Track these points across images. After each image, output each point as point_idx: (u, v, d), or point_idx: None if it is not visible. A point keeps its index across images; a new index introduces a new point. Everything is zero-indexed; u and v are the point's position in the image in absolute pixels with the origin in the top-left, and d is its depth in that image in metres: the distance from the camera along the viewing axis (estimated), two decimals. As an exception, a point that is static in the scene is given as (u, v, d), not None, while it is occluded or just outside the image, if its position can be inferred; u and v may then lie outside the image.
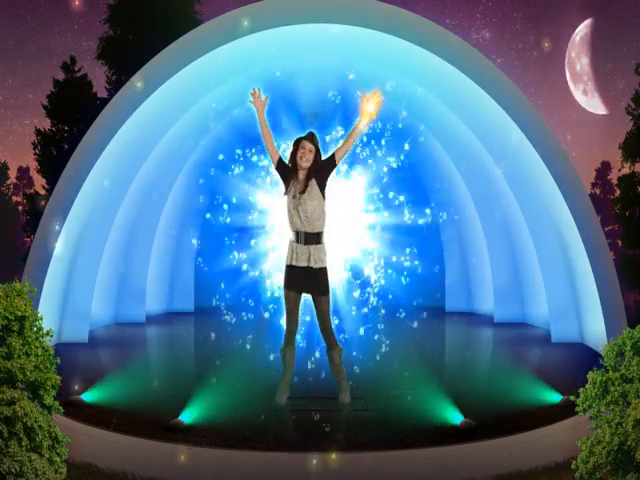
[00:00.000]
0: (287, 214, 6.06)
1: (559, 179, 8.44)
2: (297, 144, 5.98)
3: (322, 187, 5.98)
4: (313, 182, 5.94)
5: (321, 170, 5.97)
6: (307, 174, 5.97)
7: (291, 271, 6.11)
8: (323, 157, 6.03)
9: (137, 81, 8.71)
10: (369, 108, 5.95)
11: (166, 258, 11.95)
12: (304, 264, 6.00)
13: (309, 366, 7.56)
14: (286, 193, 6.04)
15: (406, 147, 12.49)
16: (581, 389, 4.47)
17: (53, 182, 11.76)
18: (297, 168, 5.98)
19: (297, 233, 6.01)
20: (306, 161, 5.92)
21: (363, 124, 5.99)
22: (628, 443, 3.94)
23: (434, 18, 8.81)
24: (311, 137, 5.99)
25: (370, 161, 12.50)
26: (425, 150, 11.98)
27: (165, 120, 9.62)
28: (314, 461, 4.98)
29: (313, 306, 6.21)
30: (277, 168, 6.09)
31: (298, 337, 8.76)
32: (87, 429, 5.65)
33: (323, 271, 6.08)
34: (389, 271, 12.92)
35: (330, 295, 6.20)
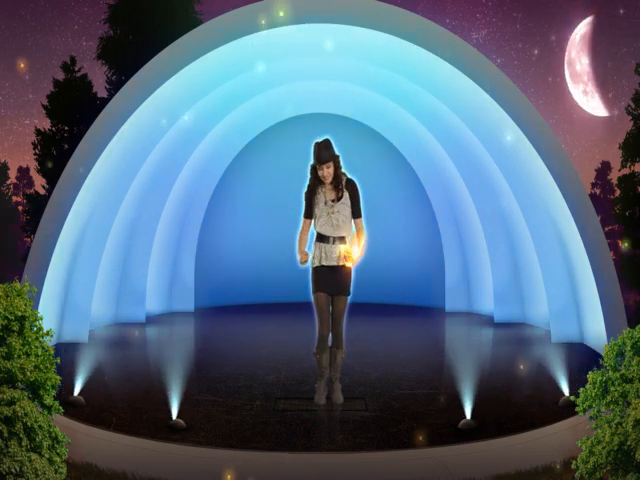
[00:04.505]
0: (316, 219, 6.16)
1: (559, 179, 8.44)
2: (315, 165, 6.08)
3: (350, 201, 6.15)
4: (347, 194, 6.11)
5: (351, 195, 6.13)
6: (334, 184, 6.12)
7: (320, 272, 6.15)
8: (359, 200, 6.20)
9: (137, 81, 8.71)
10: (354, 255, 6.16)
11: (166, 258, 11.96)
12: (334, 263, 6.10)
13: (310, 366, 7.55)
14: (316, 204, 6.14)
15: (406, 148, 12.53)
16: (581, 389, 4.47)
17: (53, 182, 11.78)
18: (323, 183, 6.12)
19: (326, 237, 6.12)
20: (329, 176, 6.07)
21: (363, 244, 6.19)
22: (628, 443, 3.94)
23: (434, 18, 8.82)
24: (325, 158, 6.01)
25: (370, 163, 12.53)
26: (426, 151, 11.99)
27: (165, 120, 9.62)
28: (314, 461, 4.99)
29: (331, 304, 6.23)
30: (312, 216, 6.22)
31: (301, 336, 8.76)
32: (87, 429, 5.65)
33: (349, 270, 6.19)
34: (389, 271, 12.96)
35: (349, 296, 6.27)
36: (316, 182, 6.13)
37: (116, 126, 8.72)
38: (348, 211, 6.11)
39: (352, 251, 6.12)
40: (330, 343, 6.30)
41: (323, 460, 5.02)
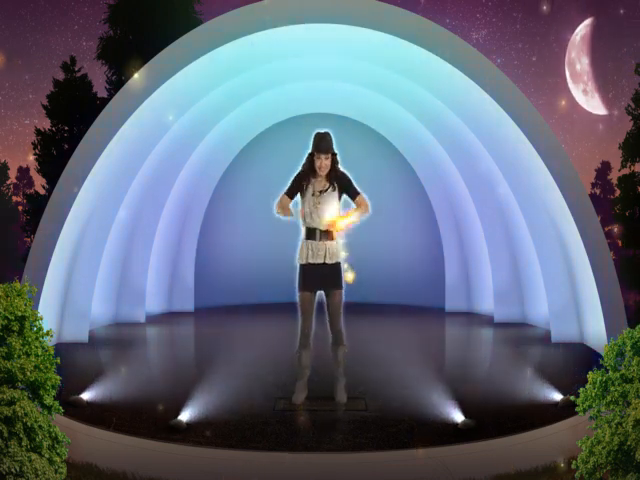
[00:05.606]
0: (302, 211, 6.15)
1: (559, 179, 8.44)
2: (312, 154, 6.08)
3: (340, 193, 6.16)
4: (335, 185, 6.11)
5: (342, 185, 6.12)
6: (327, 175, 6.13)
7: (306, 270, 6.14)
8: (351, 182, 6.16)
9: (137, 81, 8.71)
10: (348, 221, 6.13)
11: (166, 258, 11.95)
12: (320, 261, 6.09)
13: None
14: (303, 193, 6.14)
15: (406, 148, 12.53)
16: (581, 389, 4.47)
17: (53, 182, 11.77)
18: (316, 173, 6.11)
19: (313, 230, 6.10)
20: (325, 168, 6.09)
21: (358, 215, 6.11)
22: (628, 443, 3.93)
23: (434, 18, 8.81)
24: (326, 148, 6.04)
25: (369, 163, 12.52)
26: (426, 151, 11.99)
27: (165, 120, 9.62)
28: (314, 461, 4.99)
29: (326, 302, 6.23)
30: (294, 195, 6.16)
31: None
32: (87, 429, 5.65)
33: (337, 266, 6.18)
34: (389, 271, 12.96)
35: (343, 290, 6.23)
36: (309, 172, 6.11)
37: (116, 126, 8.72)
38: (335, 204, 6.10)
39: (338, 220, 6.06)
40: (331, 341, 6.29)
41: (323, 460, 5.03)
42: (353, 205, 6.18)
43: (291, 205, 6.16)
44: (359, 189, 6.17)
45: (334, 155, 6.11)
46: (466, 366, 8.12)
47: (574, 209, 8.42)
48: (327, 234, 6.11)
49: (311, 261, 6.11)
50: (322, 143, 6.05)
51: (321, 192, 6.09)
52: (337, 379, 6.33)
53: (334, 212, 6.10)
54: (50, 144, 14.24)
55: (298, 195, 6.21)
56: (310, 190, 6.11)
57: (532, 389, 6.80)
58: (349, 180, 6.16)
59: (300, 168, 6.21)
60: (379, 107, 11.49)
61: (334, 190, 6.10)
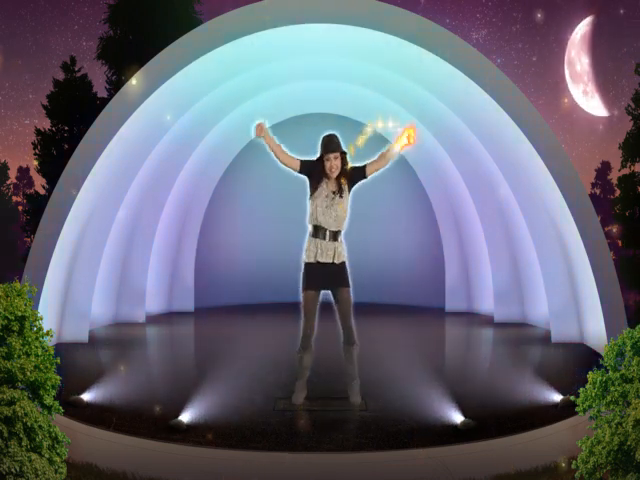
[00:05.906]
0: (314, 211, 6.09)
1: (559, 179, 8.44)
2: (322, 156, 6.06)
3: (350, 190, 6.17)
4: (346, 188, 6.11)
5: (351, 177, 6.13)
6: (337, 177, 6.11)
7: (312, 269, 6.10)
8: (354, 164, 6.16)
9: (137, 81, 8.71)
10: (405, 140, 6.13)
11: (166, 258, 11.95)
12: (329, 260, 6.06)
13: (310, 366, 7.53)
14: (313, 193, 6.10)
15: (406, 148, 12.51)
16: (581, 389, 4.47)
17: (53, 182, 11.77)
18: (328, 176, 6.09)
19: (323, 230, 6.06)
20: (336, 169, 6.07)
21: (397, 149, 6.12)
22: (628, 443, 3.93)
23: (434, 18, 8.81)
24: (334, 147, 6.04)
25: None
26: (426, 151, 11.99)
27: (165, 120, 9.62)
28: (314, 461, 4.99)
29: (334, 302, 6.20)
30: (301, 171, 6.14)
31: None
32: (87, 429, 5.65)
33: (344, 265, 6.17)
34: (389, 271, 12.96)
35: (351, 289, 6.20)
36: (321, 174, 6.07)
37: (116, 126, 8.72)
38: (347, 204, 6.10)
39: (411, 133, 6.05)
40: (342, 340, 6.28)
41: (323, 460, 5.03)
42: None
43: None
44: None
45: (343, 154, 6.09)
46: (466, 366, 8.11)
47: (574, 209, 8.42)
48: (337, 234, 6.09)
49: (320, 260, 6.06)
50: (330, 144, 6.05)
51: (334, 194, 6.06)
52: (351, 379, 6.30)
53: (346, 213, 6.10)
54: (50, 144, 14.25)
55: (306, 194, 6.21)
56: (322, 192, 6.07)
57: (532, 389, 6.80)
58: (358, 167, 6.11)
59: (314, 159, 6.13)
60: (379, 107, 11.47)
61: (344, 193, 6.07)
